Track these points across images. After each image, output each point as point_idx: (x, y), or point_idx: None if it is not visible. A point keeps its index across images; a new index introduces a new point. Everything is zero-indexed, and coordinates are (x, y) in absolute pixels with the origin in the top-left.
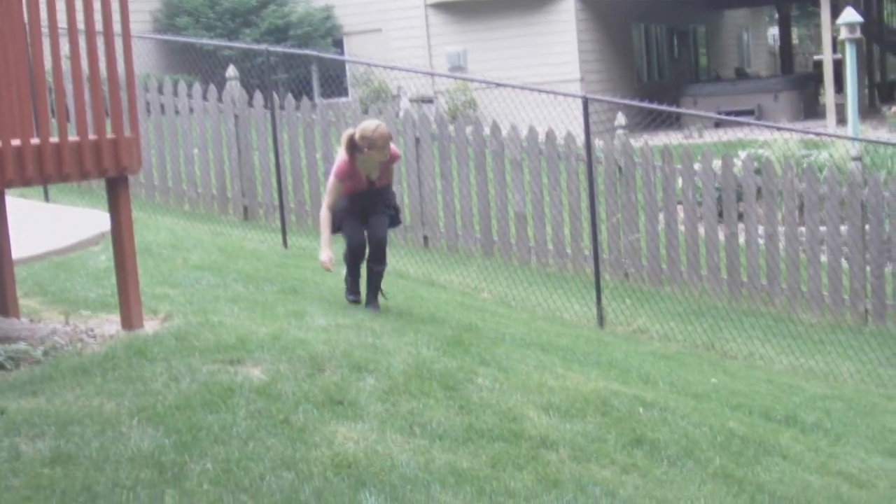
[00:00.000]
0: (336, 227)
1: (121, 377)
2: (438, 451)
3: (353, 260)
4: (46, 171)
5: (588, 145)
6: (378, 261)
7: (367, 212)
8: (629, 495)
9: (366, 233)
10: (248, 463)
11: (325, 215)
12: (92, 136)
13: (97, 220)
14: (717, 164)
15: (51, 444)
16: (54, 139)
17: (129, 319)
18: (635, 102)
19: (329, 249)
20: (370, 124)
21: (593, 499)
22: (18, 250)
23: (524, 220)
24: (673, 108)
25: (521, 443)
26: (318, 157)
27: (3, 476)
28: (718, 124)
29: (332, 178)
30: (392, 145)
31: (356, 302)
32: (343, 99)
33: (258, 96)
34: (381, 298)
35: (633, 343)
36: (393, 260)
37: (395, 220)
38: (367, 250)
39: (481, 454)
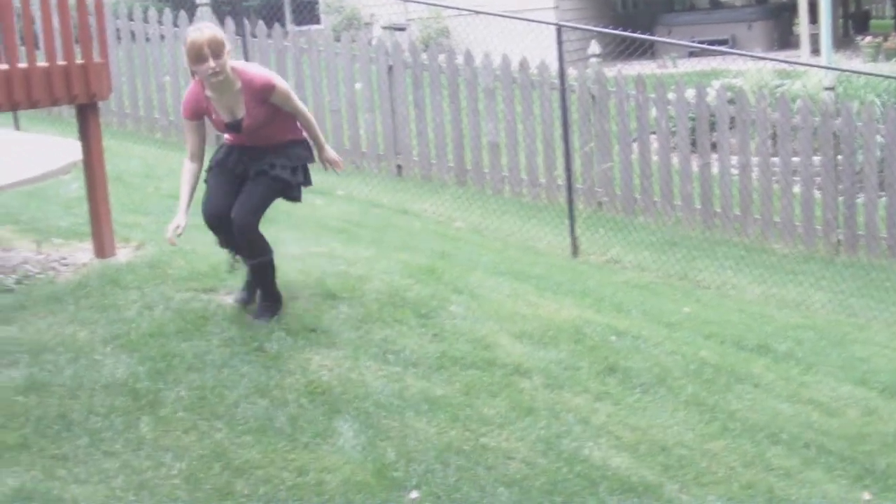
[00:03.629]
0: (211, 160)
1: (94, 305)
2: (412, 378)
3: (215, 236)
4: (15, 97)
5: (561, 73)
6: (241, 249)
7: (243, 170)
8: (602, 422)
9: None
10: (223, 390)
11: (185, 165)
12: (61, 62)
13: (68, 148)
14: (690, 93)
15: (24, 371)
16: (23, 65)
17: (102, 248)
18: (609, 30)
19: (184, 213)
20: (191, 28)
21: (567, 426)
22: None
23: (498, 150)
24: (647, 37)
25: (494, 370)
26: (291, 84)
27: None
28: (693, 54)
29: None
30: (253, 70)
31: (243, 303)
32: (315, 27)
33: (229, 22)
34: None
35: (607, 272)
36: (366, 188)
37: (285, 189)
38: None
39: (455, 381)
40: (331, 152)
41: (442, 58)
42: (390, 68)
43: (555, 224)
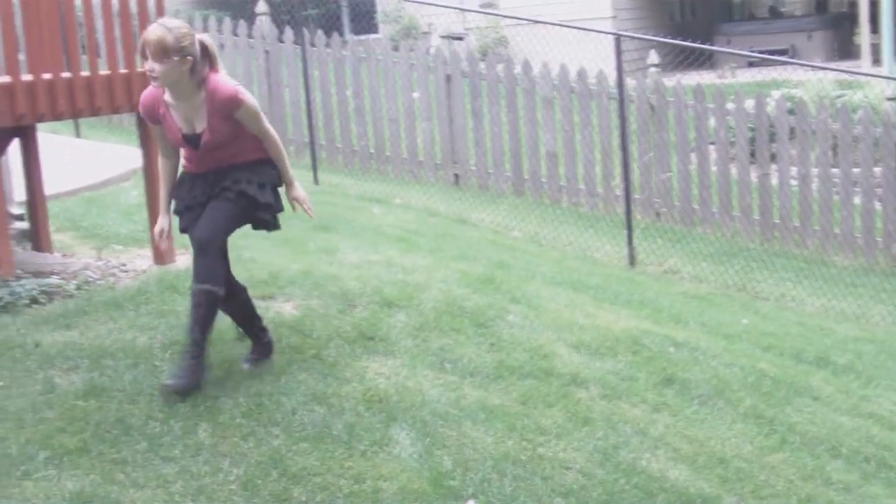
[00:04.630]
0: (175, 209)
1: (153, 311)
2: (469, 387)
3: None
4: (78, 104)
5: (620, 83)
6: (197, 277)
7: (206, 186)
8: (660, 434)
9: None
10: (280, 397)
11: (160, 163)
12: (123, 71)
13: (128, 156)
14: (749, 103)
15: (85, 376)
16: (85, 73)
17: (161, 254)
18: (668, 40)
19: (165, 214)
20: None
21: (624, 437)
22: (51, 186)
23: (555, 159)
24: (706, 46)
25: (551, 380)
26: (349, 94)
27: (38, 408)
28: (752, 63)
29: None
30: (220, 81)
31: (255, 361)
32: (373, 36)
33: (288, 32)
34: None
35: (664, 283)
36: (423, 197)
37: (252, 207)
38: None
39: (512, 391)
40: (299, 190)
41: (500, 67)
42: (448, 77)
43: (612, 234)
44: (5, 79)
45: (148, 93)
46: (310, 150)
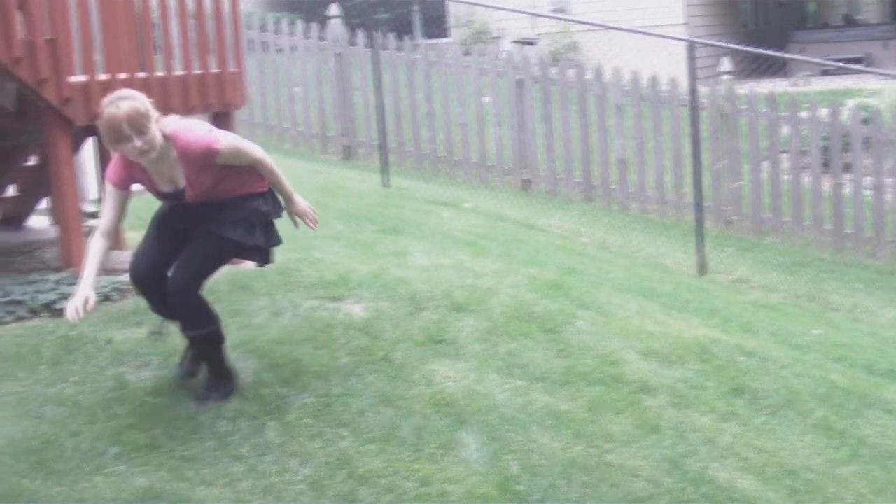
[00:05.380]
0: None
1: (223, 311)
2: (537, 392)
3: (143, 295)
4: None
5: (692, 90)
6: (179, 317)
7: (187, 228)
8: (728, 443)
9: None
10: (349, 398)
11: (94, 240)
12: (197, 71)
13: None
14: (823, 112)
15: (155, 374)
16: (160, 73)
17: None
18: (741, 47)
19: (89, 286)
20: (106, 100)
21: (692, 445)
22: None
23: (625, 166)
24: (779, 54)
25: (620, 387)
26: (420, 97)
27: (109, 404)
28: (826, 72)
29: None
30: (190, 134)
31: (185, 377)
32: (444, 40)
33: (360, 35)
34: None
35: (734, 292)
36: (493, 202)
37: (235, 251)
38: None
39: (580, 397)
40: (301, 203)
41: (571, 72)
42: (519, 82)
43: (682, 242)
44: (81, 78)
45: (120, 159)
46: (380, 153)
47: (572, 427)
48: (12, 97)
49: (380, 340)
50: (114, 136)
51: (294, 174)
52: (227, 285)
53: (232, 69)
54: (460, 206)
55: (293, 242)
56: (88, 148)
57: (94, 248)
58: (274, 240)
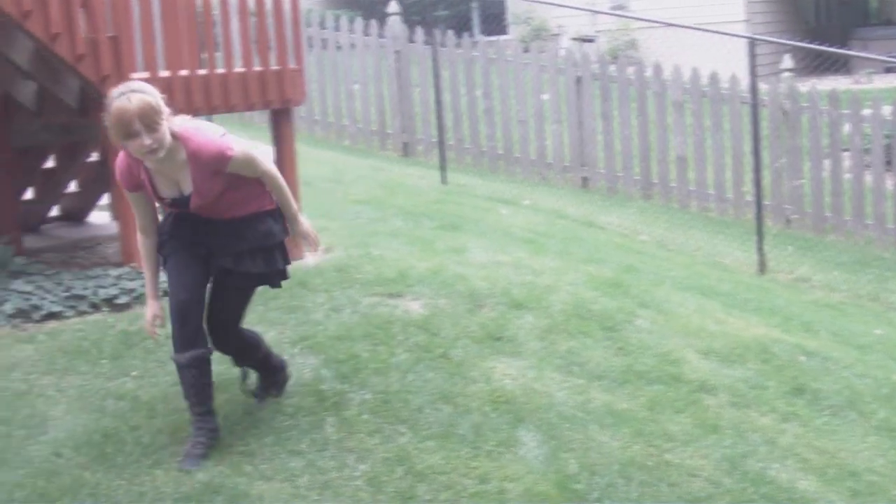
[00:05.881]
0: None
1: (282, 307)
2: (596, 391)
3: (181, 329)
4: (213, 101)
5: (753, 87)
6: (221, 342)
7: (205, 252)
8: (789, 444)
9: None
10: (407, 395)
11: (139, 242)
12: (257, 68)
13: (260, 152)
14: (887, 110)
15: (215, 369)
16: (220, 70)
17: (291, 250)
18: (803, 44)
19: (156, 299)
20: (115, 91)
21: (752, 445)
22: None
23: (685, 163)
24: (842, 51)
25: (679, 386)
26: (479, 94)
27: (169, 399)
28: (889, 69)
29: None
30: (202, 136)
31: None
32: (503, 37)
33: (419, 32)
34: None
35: (795, 291)
36: (551, 199)
37: (261, 282)
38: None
39: (639, 396)
40: (305, 224)
41: (631, 70)
42: (578, 80)
43: (742, 240)
44: (143, 75)
45: (121, 161)
46: (438, 150)
47: (631, 426)
48: (75, 93)
49: (438, 337)
50: (122, 132)
51: (353, 171)
52: (287, 282)
53: (292, 66)
54: (519, 203)
55: (352, 239)
56: None
57: (144, 250)
58: (289, 259)
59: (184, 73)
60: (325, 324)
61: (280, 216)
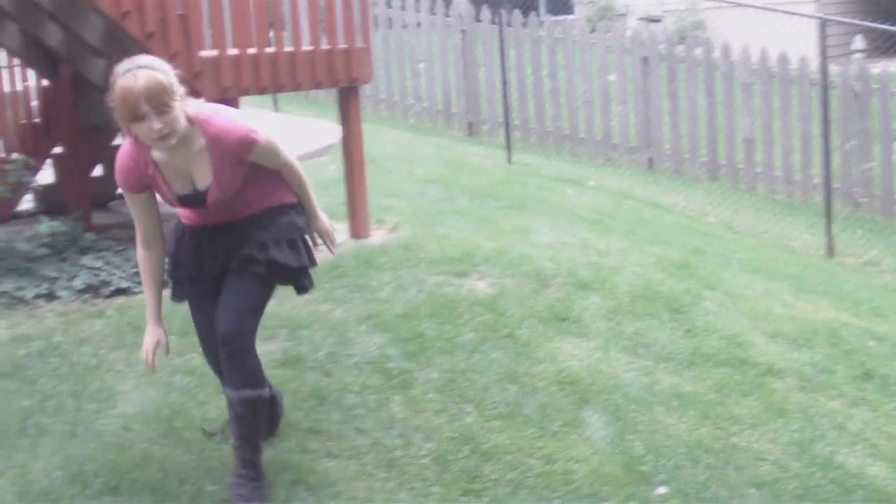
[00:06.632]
0: (170, 272)
1: (348, 285)
2: (663, 373)
3: (213, 361)
4: (281, 80)
5: (823, 69)
6: (233, 383)
7: (221, 257)
8: (858, 429)
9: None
10: (473, 374)
11: (140, 256)
12: (325, 47)
13: (325, 130)
14: None
15: (281, 346)
16: (288, 49)
17: (357, 228)
18: (876, 24)
19: (157, 323)
20: (120, 68)
21: (821, 430)
22: None
23: (752, 145)
24: None
25: (746, 369)
26: (544, 74)
27: None
28: None
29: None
30: (223, 120)
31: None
32: (569, 17)
33: (485, 12)
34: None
35: (864, 275)
36: (617, 180)
37: (287, 277)
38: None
39: (706, 378)
40: (324, 222)
41: (698, 50)
42: (644, 60)
43: (810, 223)
44: (212, 53)
45: (124, 153)
46: (504, 130)
47: (698, 408)
48: None
49: (504, 317)
50: (128, 114)
51: (418, 150)
52: (353, 260)
53: (359, 45)
54: (584, 183)
55: (418, 218)
56: None
57: (147, 265)
58: (314, 257)
59: (252, 51)
60: (391, 302)
61: (301, 210)
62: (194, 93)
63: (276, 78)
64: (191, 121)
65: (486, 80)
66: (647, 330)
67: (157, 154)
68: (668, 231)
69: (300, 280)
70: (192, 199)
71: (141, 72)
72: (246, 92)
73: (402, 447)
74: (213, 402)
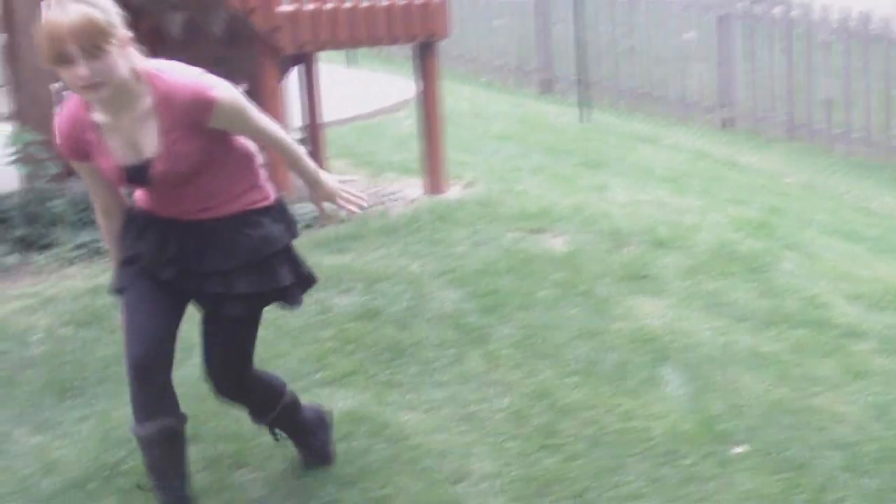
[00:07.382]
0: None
1: (424, 239)
2: (740, 332)
3: (139, 392)
4: (358, 34)
5: None
6: (225, 391)
7: (178, 265)
8: None
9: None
10: (550, 330)
11: (103, 227)
12: (402, 2)
13: (400, 86)
14: None
15: (358, 299)
16: (366, 3)
17: (433, 184)
18: None
19: None
20: (51, 1)
21: None
22: (326, 114)
23: (831, 105)
24: None
25: (826, 330)
26: (620, 32)
27: (313, 328)
28: None
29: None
30: (177, 75)
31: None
32: None
33: None
34: None
35: None
36: (692, 139)
37: (269, 303)
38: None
39: (784, 339)
40: (331, 183)
41: (777, 10)
42: (722, 18)
43: (890, 185)
44: (290, 7)
45: (65, 112)
46: (578, 88)
47: (776, 369)
48: (223, 25)
49: (581, 274)
50: (52, 54)
51: (493, 107)
52: (429, 215)
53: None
54: (660, 142)
55: (493, 174)
56: (293, 77)
57: (111, 235)
58: (303, 265)
59: (330, 5)
60: (467, 257)
61: (280, 213)
62: (273, 48)
63: (353, 33)
64: (138, 75)
65: (562, 37)
66: (725, 289)
67: (99, 116)
68: (745, 190)
69: (288, 298)
70: (136, 174)
71: (73, 6)
72: (323, 47)
73: (479, 401)
74: (291, 355)
